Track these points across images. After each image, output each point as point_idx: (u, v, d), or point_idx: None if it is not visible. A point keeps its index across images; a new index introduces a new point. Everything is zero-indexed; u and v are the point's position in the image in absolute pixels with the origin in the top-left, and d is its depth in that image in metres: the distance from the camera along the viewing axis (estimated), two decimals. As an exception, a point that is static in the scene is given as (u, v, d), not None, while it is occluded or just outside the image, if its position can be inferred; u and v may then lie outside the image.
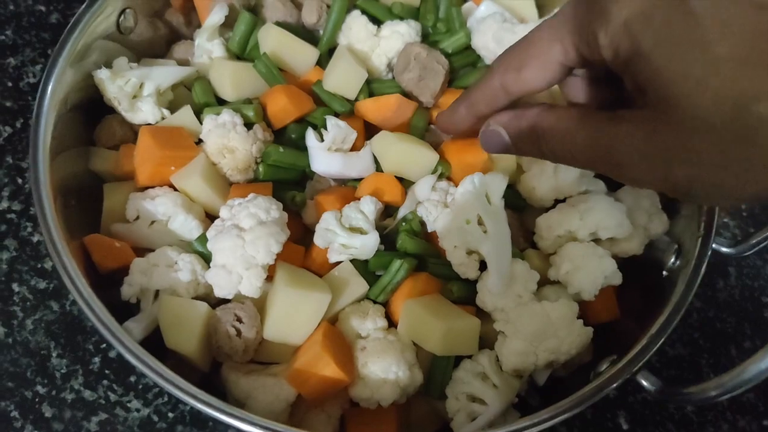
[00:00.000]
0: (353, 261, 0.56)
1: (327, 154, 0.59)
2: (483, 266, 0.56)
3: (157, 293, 0.55)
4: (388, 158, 0.59)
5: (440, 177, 0.59)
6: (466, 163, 0.59)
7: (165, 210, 0.56)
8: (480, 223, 0.55)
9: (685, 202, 0.60)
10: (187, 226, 0.56)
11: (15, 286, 0.65)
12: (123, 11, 0.63)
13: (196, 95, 0.62)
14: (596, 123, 0.39)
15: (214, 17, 0.64)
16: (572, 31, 0.39)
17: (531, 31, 0.43)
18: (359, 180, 0.60)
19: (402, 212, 0.58)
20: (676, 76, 0.34)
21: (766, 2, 0.32)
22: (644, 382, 0.50)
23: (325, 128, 0.59)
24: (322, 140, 0.59)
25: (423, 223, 0.58)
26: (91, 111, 0.61)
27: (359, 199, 0.57)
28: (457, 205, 0.55)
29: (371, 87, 0.64)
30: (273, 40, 0.62)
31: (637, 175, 0.38)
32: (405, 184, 0.60)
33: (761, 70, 0.31)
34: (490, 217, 0.54)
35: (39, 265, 0.66)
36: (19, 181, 0.70)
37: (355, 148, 0.61)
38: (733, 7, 0.32)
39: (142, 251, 0.56)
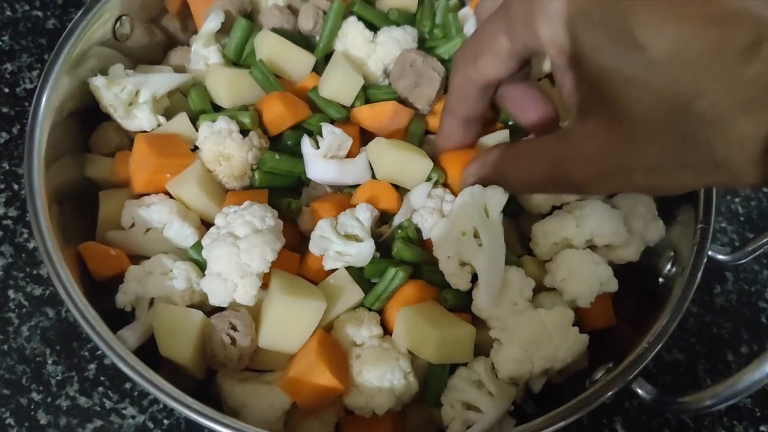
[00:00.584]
0: (348, 268, 0.55)
1: (323, 161, 0.59)
2: (476, 278, 0.55)
3: (152, 301, 0.55)
4: (382, 165, 0.58)
5: (435, 184, 0.59)
6: (461, 171, 0.58)
7: (160, 217, 0.55)
8: (476, 235, 0.54)
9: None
10: (182, 234, 0.56)
11: (11, 293, 0.65)
12: (119, 18, 0.63)
13: (192, 102, 0.62)
14: (549, 149, 0.39)
15: (211, 23, 0.64)
16: (515, 25, 0.39)
17: (481, 24, 0.43)
18: (355, 187, 0.60)
19: (397, 220, 0.58)
20: (618, 79, 0.33)
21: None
22: (640, 391, 0.50)
23: (321, 135, 0.59)
24: (318, 147, 0.59)
25: (419, 231, 0.58)
26: (87, 118, 0.61)
27: (355, 207, 0.57)
28: (454, 216, 0.55)
29: (367, 93, 0.64)
30: (269, 47, 0.62)
31: (599, 189, 0.38)
32: (401, 191, 0.60)
33: (698, 69, 0.31)
34: (487, 230, 0.54)
35: (35, 272, 0.66)
36: (15, 187, 0.70)
37: (351, 154, 0.61)
38: (666, 7, 0.32)
39: (137, 259, 0.56)
